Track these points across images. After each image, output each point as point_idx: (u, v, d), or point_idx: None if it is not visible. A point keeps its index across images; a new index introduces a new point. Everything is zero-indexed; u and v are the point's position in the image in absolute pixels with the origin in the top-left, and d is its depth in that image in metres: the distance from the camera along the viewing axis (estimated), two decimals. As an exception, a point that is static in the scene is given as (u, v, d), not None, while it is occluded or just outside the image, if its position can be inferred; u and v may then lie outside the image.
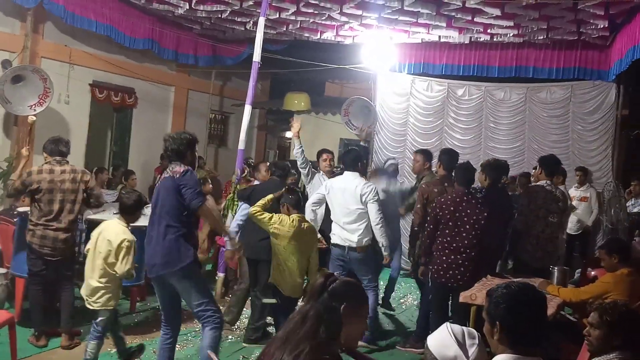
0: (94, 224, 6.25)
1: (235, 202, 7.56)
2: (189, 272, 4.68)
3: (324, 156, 7.77)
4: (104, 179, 9.69)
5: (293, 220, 5.66)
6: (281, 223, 5.63)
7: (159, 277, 4.77)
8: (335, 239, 6.36)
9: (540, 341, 2.37)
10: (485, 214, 5.83)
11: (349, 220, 6.23)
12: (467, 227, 5.79)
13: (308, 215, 6.33)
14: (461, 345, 2.10)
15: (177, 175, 4.67)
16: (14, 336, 4.95)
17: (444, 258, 5.85)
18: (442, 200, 5.96)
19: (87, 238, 6.30)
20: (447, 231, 5.87)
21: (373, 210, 6.18)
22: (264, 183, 7.02)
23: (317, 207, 6.46)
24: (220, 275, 7.85)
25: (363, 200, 6.19)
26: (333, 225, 6.40)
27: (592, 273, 6.72)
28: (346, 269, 6.34)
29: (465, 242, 5.79)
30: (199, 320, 4.82)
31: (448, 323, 2.26)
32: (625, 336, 3.32)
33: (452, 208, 5.84)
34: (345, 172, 6.43)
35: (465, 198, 5.86)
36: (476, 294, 5.20)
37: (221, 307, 7.38)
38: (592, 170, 10.19)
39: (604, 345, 3.37)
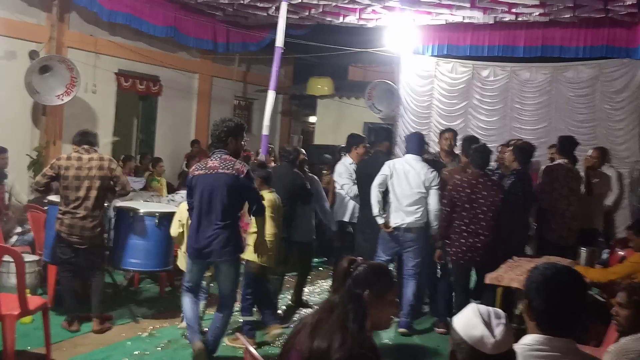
0: (122, 212, 6.37)
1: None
2: (237, 262, 5.12)
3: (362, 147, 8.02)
4: (131, 167, 9.82)
5: (271, 193, 5.77)
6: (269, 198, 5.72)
7: (209, 260, 5.06)
8: (390, 220, 6.38)
9: (570, 325, 2.35)
10: (502, 196, 5.81)
11: (409, 202, 6.27)
12: (484, 209, 5.76)
13: (374, 197, 6.38)
14: (487, 324, 2.09)
15: (242, 176, 4.85)
16: (48, 321, 5.05)
17: (462, 241, 5.84)
18: (458, 183, 5.93)
19: (116, 225, 6.44)
20: (464, 214, 5.84)
21: (434, 196, 6.28)
22: (274, 168, 7.06)
23: (383, 189, 6.40)
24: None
25: (426, 185, 6.26)
26: (391, 206, 6.41)
27: (621, 253, 6.64)
28: (395, 251, 6.42)
29: (483, 223, 5.77)
30: (224, 301, 5.17)
31: (474, 303, 2.25)
32: None
33: (468, 190, 5.81)
34: (407, 155, 6.46)
35: (481, 180, 5.83)
36: (502, 276, 5.19)
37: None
38: (619, 149, 10.03)
39: (633, 324, 3.35)
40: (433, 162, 6.71)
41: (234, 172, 4.84)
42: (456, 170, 6.73)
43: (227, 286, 5.12)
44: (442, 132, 7.81)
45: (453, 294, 6.30)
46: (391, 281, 2.60)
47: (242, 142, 5.15)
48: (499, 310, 2.18)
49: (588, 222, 7.37)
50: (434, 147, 8.80)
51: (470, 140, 6.97)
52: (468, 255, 5.80)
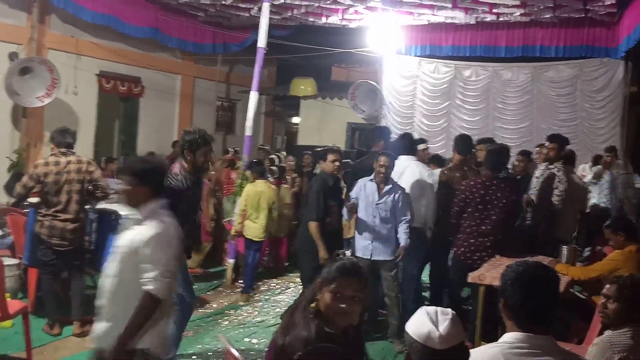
0: (105, 214, 6.31)
1: (243, 188, 7.59)
2: None
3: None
4: (113, 169, 9.73)
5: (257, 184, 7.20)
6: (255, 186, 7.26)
7: None
8: None
9: (546, 320, 2.38)
10: (514, 198, 5.83)
11: None
12: (497, 210, 5.75)
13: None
14: (433, 321, 2.21)
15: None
16: (28, 325, 4.99)
17: (472, 240, 5.82)
18: (472, 184, 5.90)
19: (98, 227, 6.38)
20: (476, 214, 5.81)
21: (431, 193, 6.19)
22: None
23: None
24: (230, 261, 7.89)
25: (422, 184, 6.14)
26: None
27: (603, 250, 6.71)
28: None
29: (494, 224, 5.77)
30: None
31: (424, 306, 2.32)
32: None
33: (482, 192, 5.79)
34: (402, 157, 6.29)
35: (494, 182, 5.83)
36: (485, 274, 5.20)
37: (232, 293, 7.49)
38: (601, 148, 10.14)
39: (622, 318, 3.37)
40: (437, 159, 6.70)
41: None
42: (455, 168, 6.65)
43: None
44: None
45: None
46: (341, 274, 2.53)
47: (206, 155, 4.91)
48: (447, 309, 2.29)
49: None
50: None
51: (461, 139, 6.95)
52: (477, 254, 5.77)
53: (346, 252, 5.53)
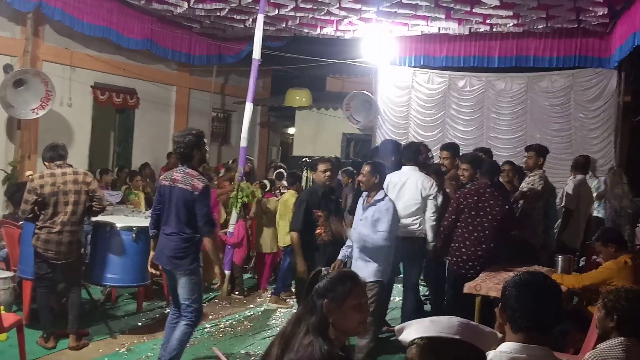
0: (99, 226, 6.30)
1: (239, 200, 7.58)
2: (190, 272, 5.02)
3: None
4: (108, 180, 9.72)
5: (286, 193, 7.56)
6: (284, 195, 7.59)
7: (166, 268, 5.12)
8: None
9: (542, 328, 2.39)
10: (507, 207, 5.85)
11: (405, 214, 6.02)
12: (489, 217, 5.78)
13: None
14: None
15: (196, 192, 4.90)
16: (23, 338, 4.98)
17: (464, 250, 5.84)
18: (465, 191, 5.97)
19: (93, 240, 6.36)
20: (469, 220, 5.86)
21: (431, 205, 6.09)
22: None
23: None
24: (226, 272, 7.86)
25: (423, 195, 6.07)
26: None
27: (597, 260, 6.72)
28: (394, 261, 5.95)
29: (487, 232, 5.79)
30: (182, 311, 5.07)
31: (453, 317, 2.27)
32: (618, 319, 3.33)
33: (475, 198, 5.83)
34: (404, 167, 6.27)
35: (488, 190, 5.86)
36: (480, 285, 5.21)
37: (228, 305, 7.47)
38: (595, 157, 10.18)
39: (604, 327, 3.41)
40: (436, 172, 6.59)
41: (190, 188, 4.93)
42: (455, 177, 6.68)
43: (183, 295, 5.05)
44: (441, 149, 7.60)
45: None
46: (351, 286, 2.53)
47: (205, 148, 5.20)
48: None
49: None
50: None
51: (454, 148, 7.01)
52: (469, 264, 5.78)
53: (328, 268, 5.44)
